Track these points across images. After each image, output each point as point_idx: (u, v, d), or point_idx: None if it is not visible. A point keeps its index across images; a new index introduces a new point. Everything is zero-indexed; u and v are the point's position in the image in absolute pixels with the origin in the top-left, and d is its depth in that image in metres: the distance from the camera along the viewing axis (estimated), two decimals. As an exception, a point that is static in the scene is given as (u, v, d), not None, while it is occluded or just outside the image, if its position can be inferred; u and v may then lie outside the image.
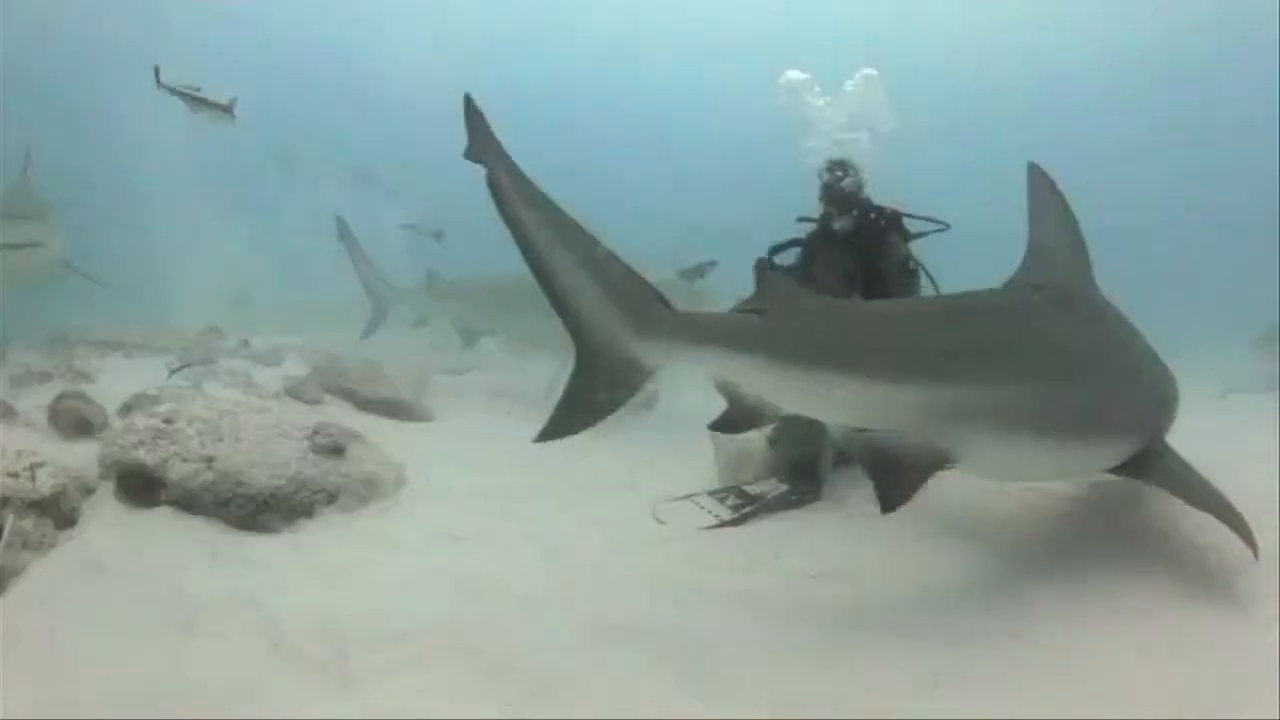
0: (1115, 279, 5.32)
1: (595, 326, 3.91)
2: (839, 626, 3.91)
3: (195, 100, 7.79)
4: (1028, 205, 5.37)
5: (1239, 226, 23.61)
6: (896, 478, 3.89)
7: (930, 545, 4.92)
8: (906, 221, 6.52)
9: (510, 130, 3.75)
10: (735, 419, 4.14)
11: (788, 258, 6.50)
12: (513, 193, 3.84)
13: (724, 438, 6.27)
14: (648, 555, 4.84)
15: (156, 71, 7.59)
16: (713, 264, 10.05)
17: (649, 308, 3.90)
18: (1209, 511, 4.21)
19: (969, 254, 6.94)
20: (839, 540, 5.09)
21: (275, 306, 13.86)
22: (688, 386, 8.92)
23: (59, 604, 3.88)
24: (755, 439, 6.20)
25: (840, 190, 6.38)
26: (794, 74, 6.71)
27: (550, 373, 8.32)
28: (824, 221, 6.50)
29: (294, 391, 7.38)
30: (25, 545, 4.23)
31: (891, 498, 3.83)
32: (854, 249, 6.35)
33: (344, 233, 10.29)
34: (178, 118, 7.45)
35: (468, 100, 3.77)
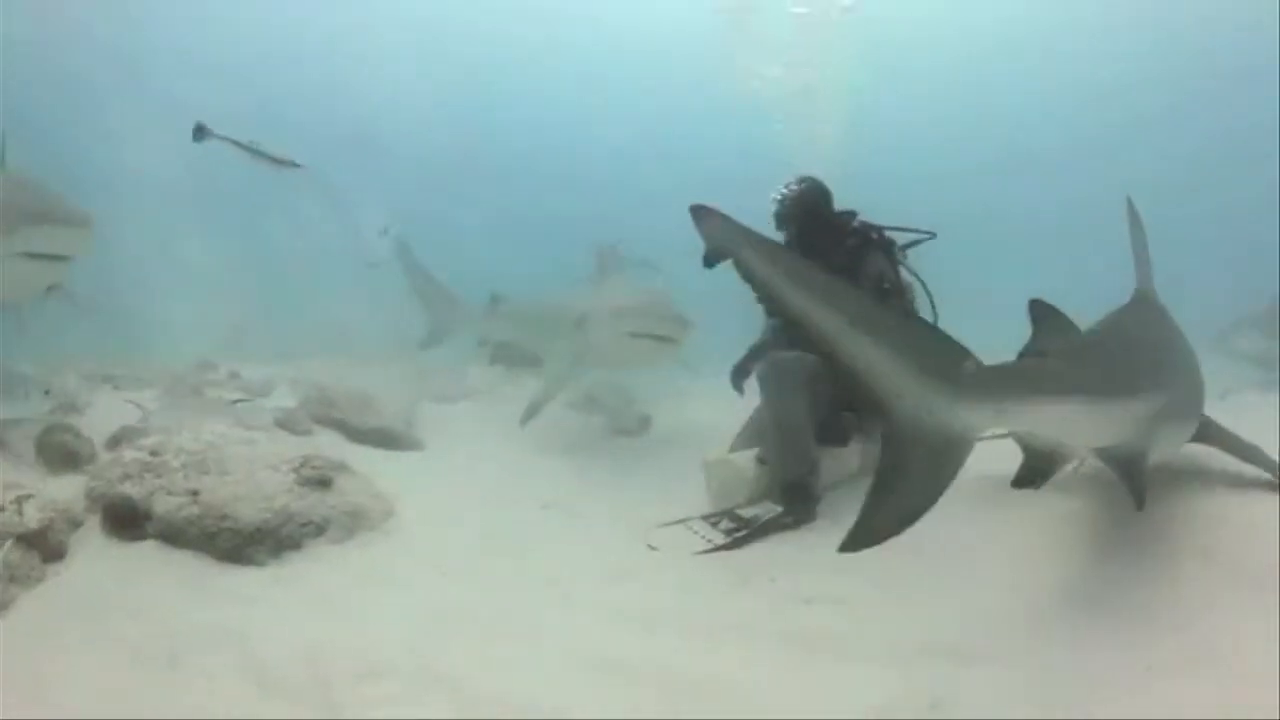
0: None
1: (902, 395, 3.41)
2: (835, 651, 3.91)
3: (255, 154, 7.85)
4: (1129, 232, 5.90)
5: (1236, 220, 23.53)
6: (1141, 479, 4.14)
7: (926, 567, 4.89)
8: (894, 232, 6.57)
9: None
10: (1036, 468, 4.36)
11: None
12: (767, 272, 3.51)
13: (714, 460, 6.39)
14: (640, 583, 4.85)
15: (200, 129, 7.65)
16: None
17: (959, 364, 3.44)
18: (1252, 463, 5.13)
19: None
20: (834, 562, 4.96)
21: (265, 336, 13.87)
22: (678, 410, 8.92)
23: (46, 638, 3.88)
24: (745, 459, 6.26)
25: (790, 212, 6.46)
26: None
27: (531, 397, 8.40)
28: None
29: (283, 422, 7.39)
30: (13, 579, 4.23)
31: (1142, 497, 4.07)
32: (829, 267, 6.32)
33: (403, 251, 10.24)
34: (155, 141, 7.49)
35: (695, 210, 3.47)
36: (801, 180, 6.54)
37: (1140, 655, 3.65)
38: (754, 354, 6.90)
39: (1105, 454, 4.23)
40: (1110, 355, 4.46)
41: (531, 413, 8.39)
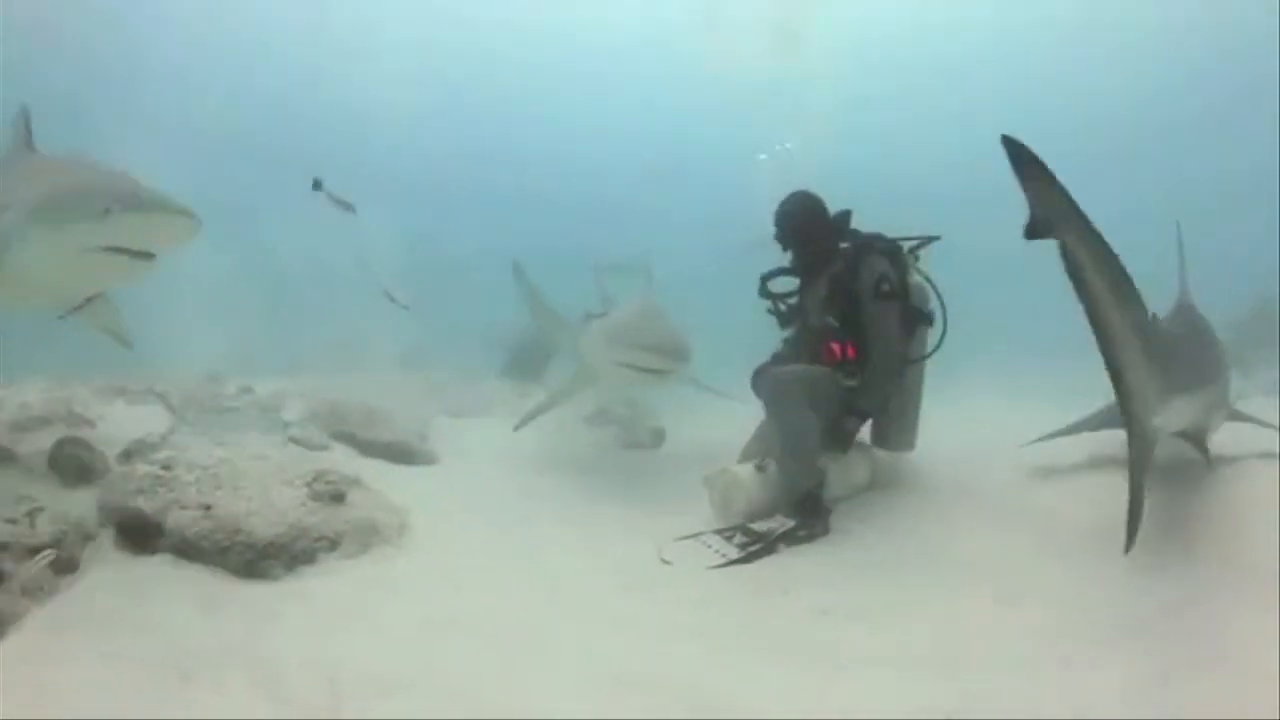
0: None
1: (1147, 400, 4.05)
2: (850, 662, 3.92)
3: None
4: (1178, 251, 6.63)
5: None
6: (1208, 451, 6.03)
7: (939, 577, 4.99)
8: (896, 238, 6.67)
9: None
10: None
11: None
12: (1084, 257, 3.78)
13: (713, 474, 6.42)
14: (655, 598, 4.86)
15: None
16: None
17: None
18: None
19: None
20: (848, 575, 5.14)
21: (274, 350, 13.84)
22: (692, 423, 8.92)
23: (57, 652, 3.86)
24: (744, 469, 6.31)
25: (792, 228, 6.66)
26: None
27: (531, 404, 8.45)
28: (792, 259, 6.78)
29: (296, 437, 7.39)
30: (24, 592, 4.22)
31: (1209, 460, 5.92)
32: (829, 276, 6.49)
33: (518, 273, 10.24)
34: (152, 154, 7.47)
35: (1026, 167, 3.59)
36: (794, 195, 6.67)
37: (1157, 661, 3.69)
38: (775, 363, 6.92)
39: (1187, 433, 5.83)
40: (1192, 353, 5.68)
41: (525, 420, 8.86)
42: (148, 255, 5.15)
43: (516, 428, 8.74)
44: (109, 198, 4.97)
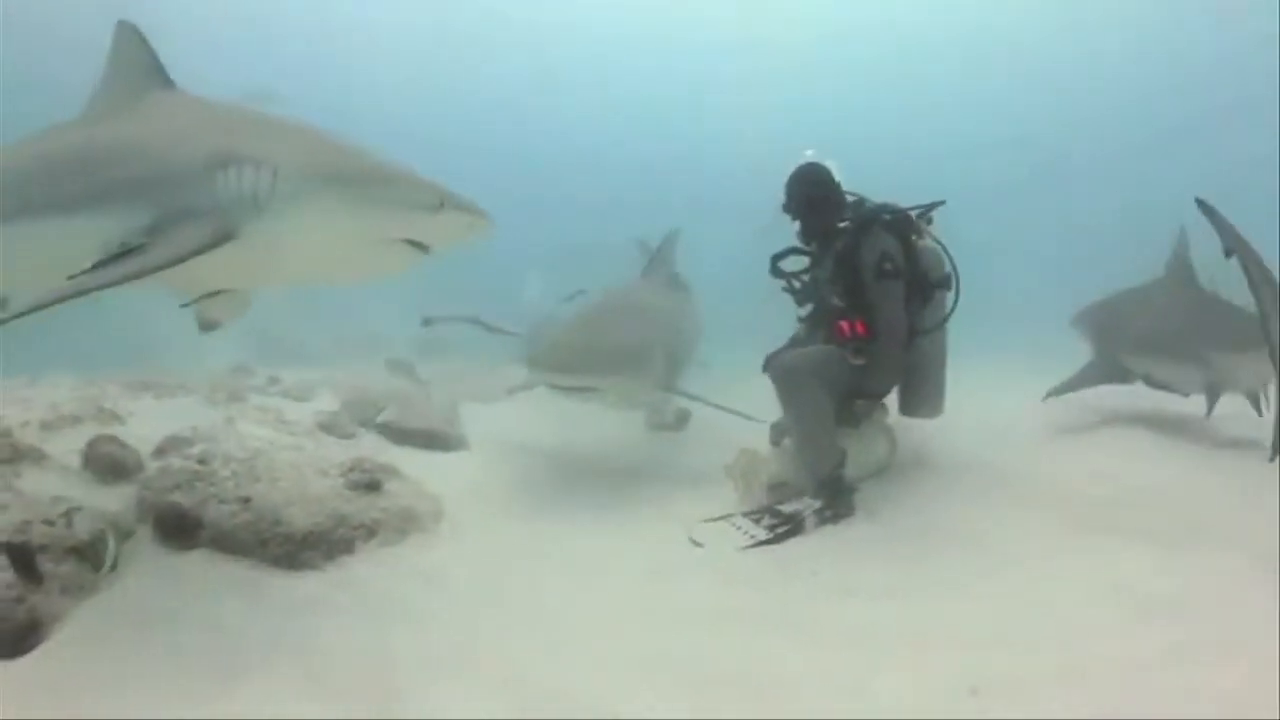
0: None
1: None
2: (877, 641, 3.98)
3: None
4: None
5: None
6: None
7: (962, 557, 5.08)
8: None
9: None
10: None
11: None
12: (1256, 272, 5.56)
13: (735, 457, 6.52)
14: (687, 580, 4.92)
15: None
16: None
17: None
18: None
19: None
20: (874, 555, 5.22)
21: (300, 340, 13.90)
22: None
23: (101, 649, 3.90)
24: (762, 449, 6.51)
25: (791, 194, 6.63)
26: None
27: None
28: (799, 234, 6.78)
29: (327, 426, 7.39)
30: (63, 591, 4.23)
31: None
32: (834, 254, 6.48)
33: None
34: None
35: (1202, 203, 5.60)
36: (803, 165, 6.62)
37: (1173, 643, 3.77)
38: (792, 346, 6.92)
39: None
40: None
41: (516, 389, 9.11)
42: (425, 250, 4.88)
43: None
44: (439, 192, 4.71)
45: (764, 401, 6.59)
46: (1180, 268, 8.88)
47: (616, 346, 7.17)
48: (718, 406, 7.43)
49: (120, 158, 4.60)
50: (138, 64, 5.06)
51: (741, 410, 7.18)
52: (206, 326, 5.59)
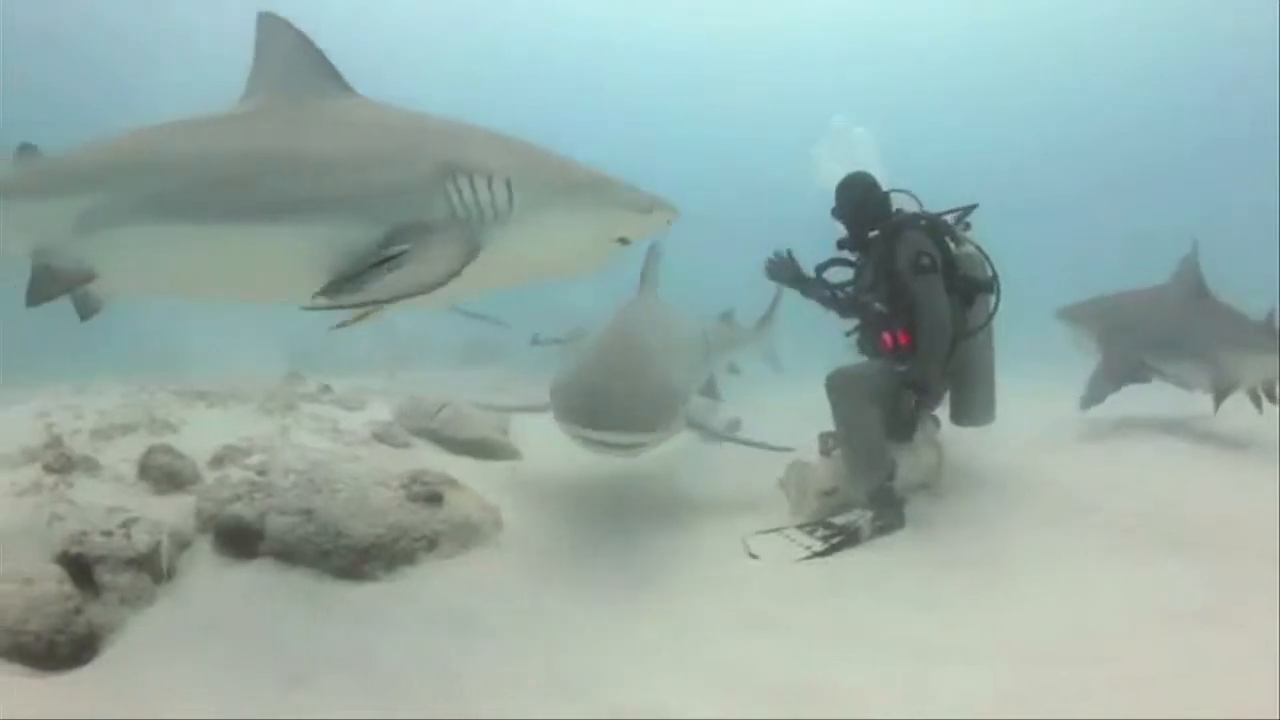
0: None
1: None
2: (929, 653, 4.02)
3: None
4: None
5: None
6: None
7: (1010, 572, 5.11)
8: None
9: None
10: None
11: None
12: None
13: (788, 459, 6.64)
14: (745, 592, 4.95)
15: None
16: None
17: None
18: None
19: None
20: (925, 568, 5.24)
21: (346, 348, 13.87)
22: (765, 415, 8.80)
23: (162, 659, 3.92)
24: (814, 461, 6.50)
25: (838, 202, 6.71)
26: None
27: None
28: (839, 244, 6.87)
29: (382, 436, 7.33)
30: (123, 601, 4.25)
31: None
32: (873, 257, 6.58)
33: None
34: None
35: None
36: (851, 173, 6.71)
37: (1213, 654, 3.86)
38: (801, 278, 6.93)
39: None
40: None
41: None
42: (628, 244, 5.08)
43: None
44: (648, 195, 4.98)
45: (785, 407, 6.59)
46: (1190, 273, 9.54)
47: (658, 397, 6.42)
48: (746, 442, 7.38)
49: (334, 166, 4.59)
50: (307, 64, 5.00)
51: (766, 442, 7.16)
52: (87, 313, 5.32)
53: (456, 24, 33.16)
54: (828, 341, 7.42)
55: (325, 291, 4.24)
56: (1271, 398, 9.01)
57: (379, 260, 4.25)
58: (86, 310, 5.17)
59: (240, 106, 5.06)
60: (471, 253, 4.36)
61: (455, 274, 4.24)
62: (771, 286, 9.66)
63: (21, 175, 5.28)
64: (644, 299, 8.44)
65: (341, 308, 4.10)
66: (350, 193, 4.47)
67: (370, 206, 4.45)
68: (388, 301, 4.14)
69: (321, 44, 4.92)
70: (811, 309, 6.89)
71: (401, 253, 4.27)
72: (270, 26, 5.04)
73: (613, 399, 6.16)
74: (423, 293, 4.14)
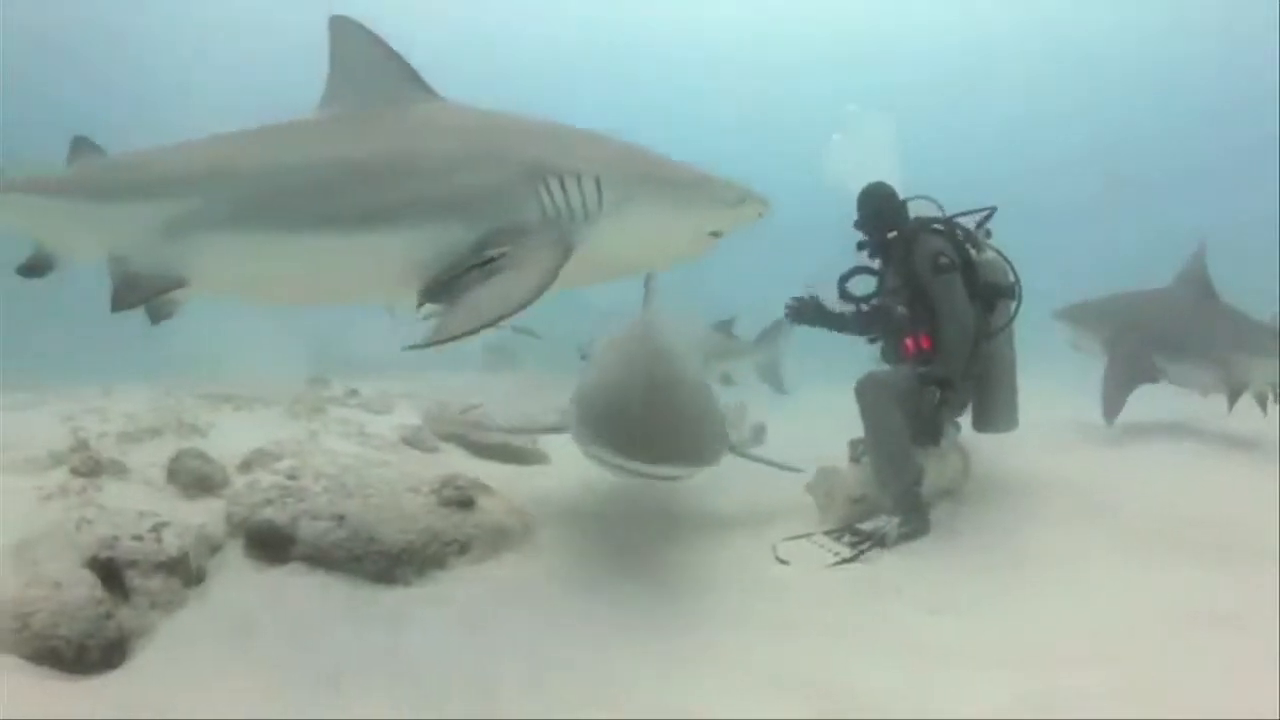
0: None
1: None
2: (958, 658, 4.03)
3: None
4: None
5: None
6: None
7: (1036, 577, 5.12)
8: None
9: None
10: None
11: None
12: None
13: (815, 475, 6.54)
14: (777, 598, 4.94)
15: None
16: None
17: None
18: None
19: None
20: (954, 574, 5.25)
21: (371, 352, 13.86)
22: (790, 418, 8.75)
23: (193, 663, 3.91)
24: (843, 467, 6.51)
25: (859, 213, 6.73)
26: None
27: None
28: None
29: (411, 441, 7.30)
30: (153, 605, 4.22)
31: None
32: (893, 262, 6.63)
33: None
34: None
35: None
36: (868, 186, 6.72)
37: (1236, 657, 3.89)
38: (825, 315, 6.91)
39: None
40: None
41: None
42: (720, 236, 5.13)
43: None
44: (739, 188, 5.04)
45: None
46: (1198, 276, 9.69)
47: (710, 426, 5.84)
48: (755, 459, 7.06)
49: (424, 171, 4.66)
50: (387, 68, 5.06)
51: (776, 460, 7.03)
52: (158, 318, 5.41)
53: (458, 24, 33.13)
54: (834, 363, 7.44)
55: (421, 298, 4.42)
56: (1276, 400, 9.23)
57: (474, 264, 4.33)
58: (159, 316, 5.25)
59: (323, 112, 5.11)
60: (566, 254, 4.43)
61: (552, 280, 4.27)
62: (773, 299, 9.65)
63: (90, 176, 5.35)
64: (653, 309, 7.99)
65: (446, 342, 4.03)
66: (441, 197, 4.54)
67: (461, 210, 4.51)
68: (491, 325, 4.11)
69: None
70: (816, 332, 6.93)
71: (497, 256, 4.34)
72: (344, 30, 5.07)
73: (664, 429, 5.39)
74: (523, 308, 4.16)
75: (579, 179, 4.55)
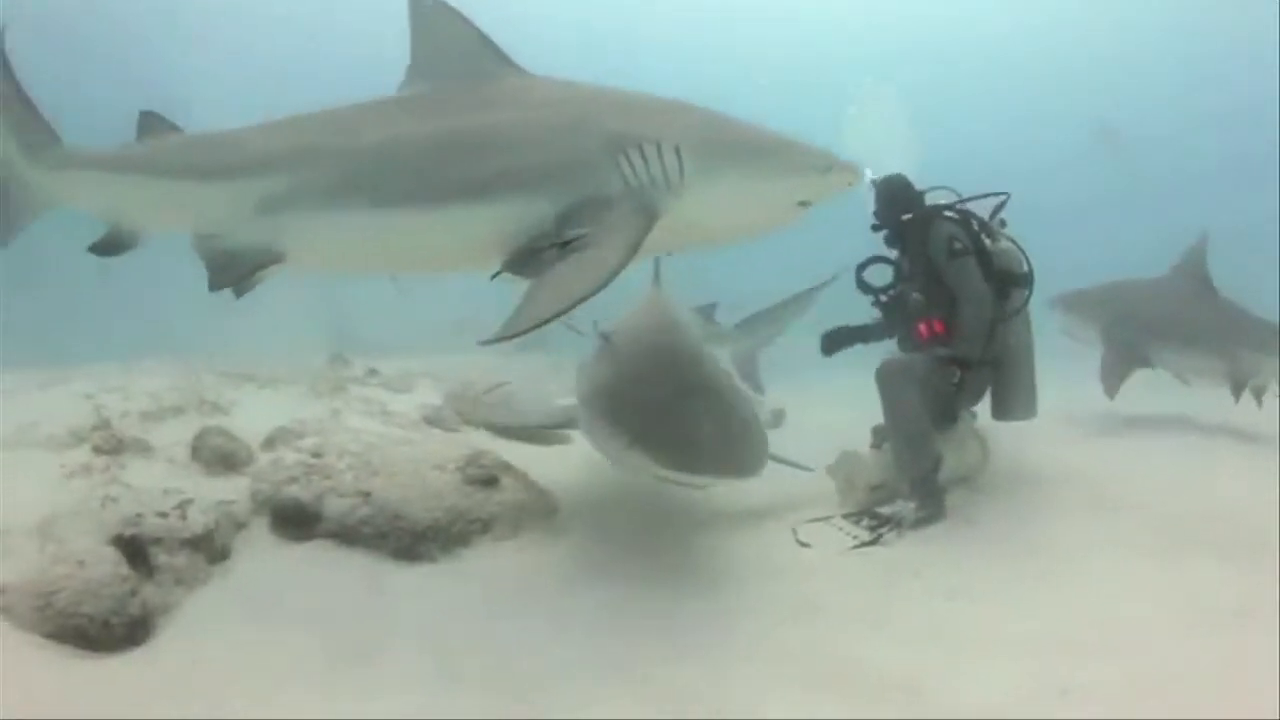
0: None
1: None
2: (975, 643, 4.05)
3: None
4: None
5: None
6: None
7: (1053, 564, 5.11)
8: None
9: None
10: None
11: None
12: None
13: (836, 459, 6.53)
14: (798, 581, 4.94)
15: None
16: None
17: None
18: None
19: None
20: (972, 559, 5.26)
21: (391, 331, 13.82)
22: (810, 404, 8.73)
23: (218, 639, 3.94)
24: (864, 452, 6.51)
25: (881, 209, 6.74)
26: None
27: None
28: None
29: (433, 419, 7.28)
30: (178, 581, 4.28)
31: None
32: (909, 250, 6.67)
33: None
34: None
35: None
36: (882, 178, 6.76)
37: (1246, 648, 3.89)
38: (855, 333, 7.01)
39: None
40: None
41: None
42: (809, 206, 5.11)
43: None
44: (826, 156, 5.03)
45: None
46: (1196, 267, 9.72)
47: (756, 433, 5.23)
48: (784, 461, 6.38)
49: (509, 144, 4.77)
50: (471, 45, 5.13)
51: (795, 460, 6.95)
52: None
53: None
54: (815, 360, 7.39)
55: (505, 268, 4.55)
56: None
57: (559, 243, 4.40)
58: (244, 290, 5.34)
59: (408, 89, 5.23)
60: (648, 225, 4.48)
61: (634, 253, 4.34)
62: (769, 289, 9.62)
63: (175, 154, 5.47)
64: (661, 295, 7.18)
65: (529, 331, 4.08)
66: (524, 170, 4.65)
67: (544, 182, 4.62)
68: (578, 304, 4.15)
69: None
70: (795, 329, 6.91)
71: (581, 235, 4.39)
72: (426, 8, 5.14)
73: (717, 438, 4.81)
74: (609, 282, 4.20)
75: (659, 147, 4.59)
